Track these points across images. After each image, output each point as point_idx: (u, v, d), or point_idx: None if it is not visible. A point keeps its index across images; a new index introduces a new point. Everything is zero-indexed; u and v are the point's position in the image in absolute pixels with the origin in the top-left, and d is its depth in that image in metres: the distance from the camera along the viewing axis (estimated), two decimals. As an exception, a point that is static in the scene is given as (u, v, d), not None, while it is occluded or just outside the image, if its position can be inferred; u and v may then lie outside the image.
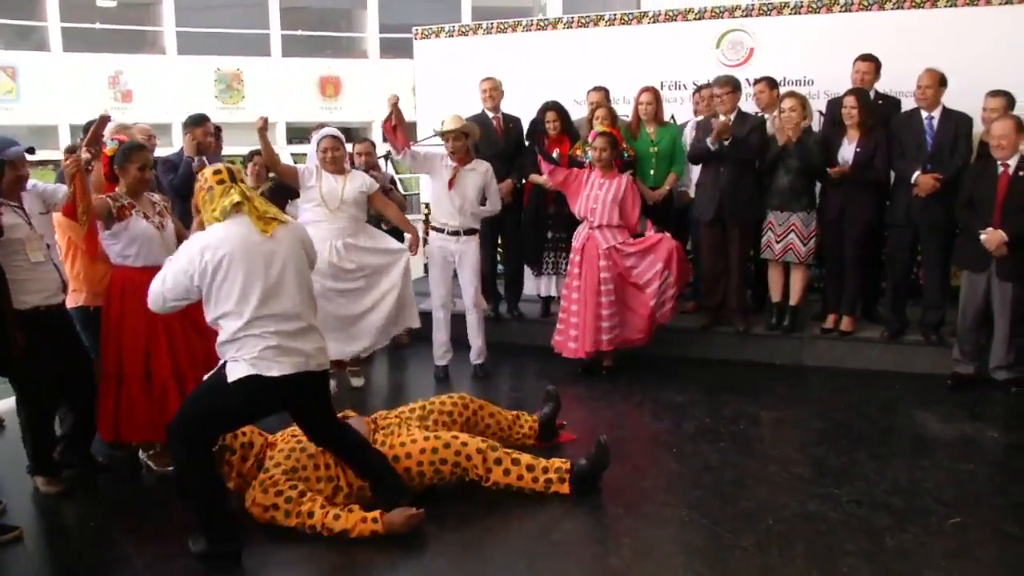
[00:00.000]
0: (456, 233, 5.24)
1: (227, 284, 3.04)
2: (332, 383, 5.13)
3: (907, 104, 5.42)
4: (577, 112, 6.10)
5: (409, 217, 5.62)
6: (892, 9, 5.98)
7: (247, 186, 3.23)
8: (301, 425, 3.46)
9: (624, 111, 6.07)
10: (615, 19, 6.77)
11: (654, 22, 6.64)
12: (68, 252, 4.13)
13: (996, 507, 3.52)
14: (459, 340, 5.51)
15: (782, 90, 5.63)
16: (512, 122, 6.00)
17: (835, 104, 5.46)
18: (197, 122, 5.32)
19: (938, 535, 3.25)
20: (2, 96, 16.36)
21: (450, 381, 5.32)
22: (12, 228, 3.58)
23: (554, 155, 5.54)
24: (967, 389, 4.88)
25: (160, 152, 5.47)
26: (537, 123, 5.86)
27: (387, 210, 5.26)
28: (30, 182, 3.82)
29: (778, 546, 3.18)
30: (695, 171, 5.74)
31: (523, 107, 6.02)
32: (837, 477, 3.79)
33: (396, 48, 17.88)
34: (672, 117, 6.12)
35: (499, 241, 6.20)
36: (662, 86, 6.29)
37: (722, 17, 6.44)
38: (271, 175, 5.45)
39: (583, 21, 6.87)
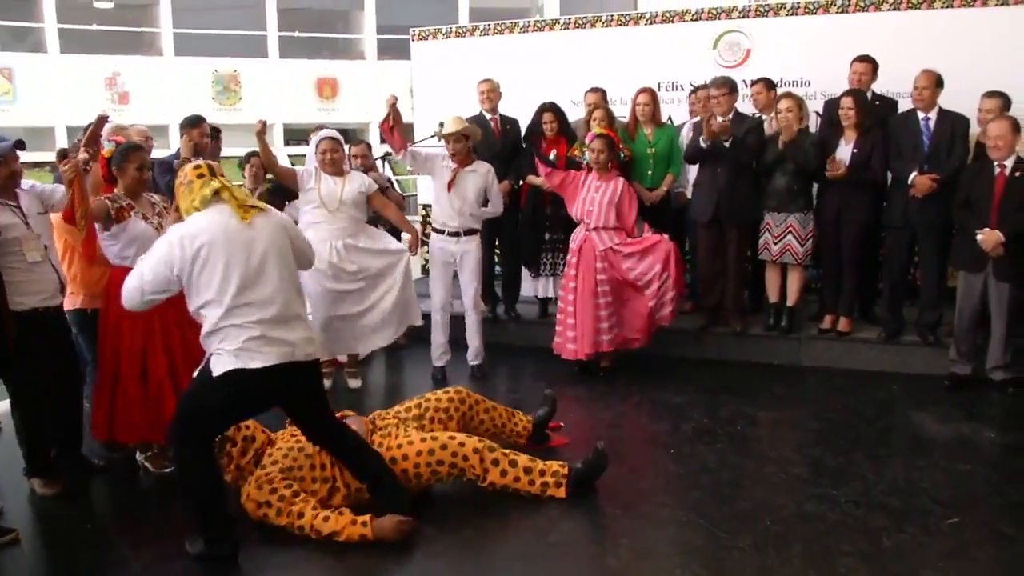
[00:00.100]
0: (456, 234, 5.25)
1: (207, 272, 3.02)
2: (328, 383, 5.18)
3: (904, 105, 5.43)
4: (574, 113, 6.10)
5: (407, 218, 5.63)
6: (889, 10, 5.98)
7: (227, 180, 3.23)
8: (296, 421, 3.44)
9: (621, 112, 6.07)
10: (612, 20, 6.77)
11: (651, 23, 6.64)
12: (65, 254, 4.12)
13: (993, 507, 3.52)
14: (457, 341, 5.51)
15: (779, 91, 5.64)
16: (510, 123, 6.00)
17: (832, 105, 5.46)
18: (193, 123, 5.32)
19: (935, 535, 3.25)
20: (-1, 97, 16.36)
21: (447, 382, 5.30)
22: (8, 228, 3.57)
23: (551, 156, 5.55)
24: (964, 389, 4.89)
25: (157, 153, 5.46)
26: (534, 124, 5.86)
27: (386, 210, 5.27)
28: (27, 182, 3.82)
29: (775, 546, 3.18)
30: (692, 172, 5.74)
31: (520, 108, 6.02)
32: (834, 477, 3.79)
33: (393, 49, 17.88)
34: (669, 118, 6.12)
35: (496, 242, 6.20)
36: (659, 87, 6.29)
37: (719, 18, 6.45)
38: (268, 176, 5.45)
39: (580, 22, 6.88)
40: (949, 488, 3.67)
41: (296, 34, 19.37)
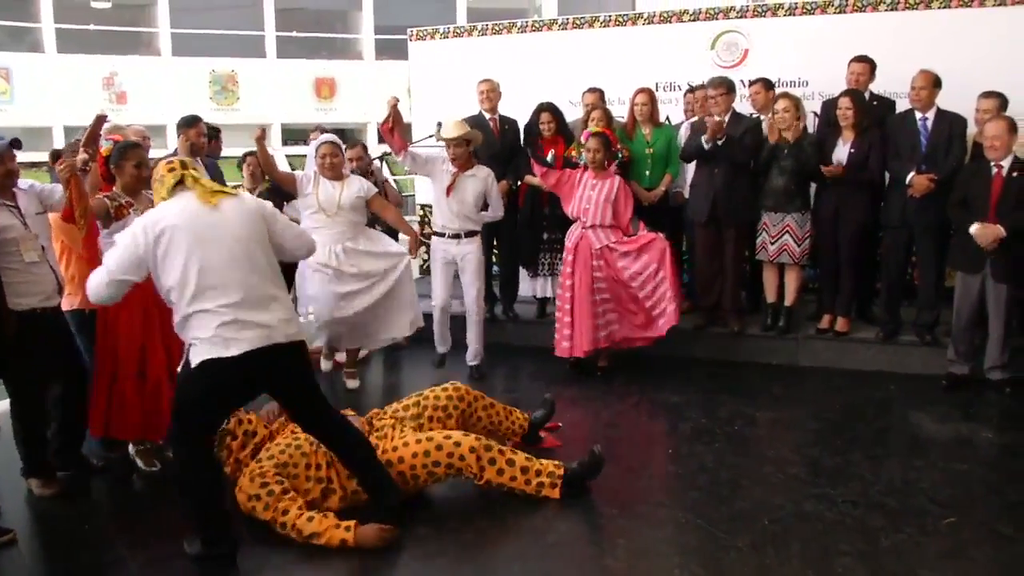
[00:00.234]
0: (456, 236, 5.26)
1: (170, 256, 3.00)
2: (325, 364, 5.19)
3: (902, 105, 5.44)
4: (572, 113, 6.11)
5: (405, 218, 5.63)
6: (886, 11, 5.99)
7: (197, 172, 3.22)
8: (287, 409, 3.41)
9: (619, 112, 6.08)
10: (610, 20, 6.77)
11: (649, 23, 6.64)
12: (62, 255, 4.11)
13: (991, 507, 3.53)
14: (457, 341, 5.51)
15: (777, 91, 5.64)
16: (509, 124, 6.00)
17: (830, 105, 5.47)
18: (190, 123, 5.32)
19: (933, 535, 3.26)
20: (-4, 98, 16.34)
21: (446, 375, 5.31)
22: (5, 228, 3.57)
23: (549, 156, 5.55)
24: (962, 389, 4.89)
25: (155, 153, 5.46)
26: (532, 125, 5.86)
27: (385, 213, 5.28)
28: (26, 182, 3.81)
29: (773, 546, 3.18)
30: (690, 172, 5.75)
31: (518, 108, 6.02)
32: (832, 477, 3.80)
33: (391, 49, 17.87)
34: (667, 118, 6.12)
35: (495, 242, 6.20)
36: (657, 87, 6.29)
37: (717, 18, 6.45)
38: (266, 177, 5.46)
39: (578, 22, 6.88)
40: (947, 488, 3.67)
41: (294, 34, 19.35)
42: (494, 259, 6.32)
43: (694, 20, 6.52)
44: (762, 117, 5.56)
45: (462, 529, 3.41)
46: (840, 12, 6.11)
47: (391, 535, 3.24)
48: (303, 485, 3.43)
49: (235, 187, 3.36)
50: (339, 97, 19.11)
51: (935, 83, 5.04)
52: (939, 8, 5.86)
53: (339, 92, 19.12)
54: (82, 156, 3.85)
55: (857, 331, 5.54)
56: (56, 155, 4.36)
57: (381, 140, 5.55)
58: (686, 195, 5.84)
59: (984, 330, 4.85)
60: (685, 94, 6.18)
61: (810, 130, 5.56)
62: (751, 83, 5.80)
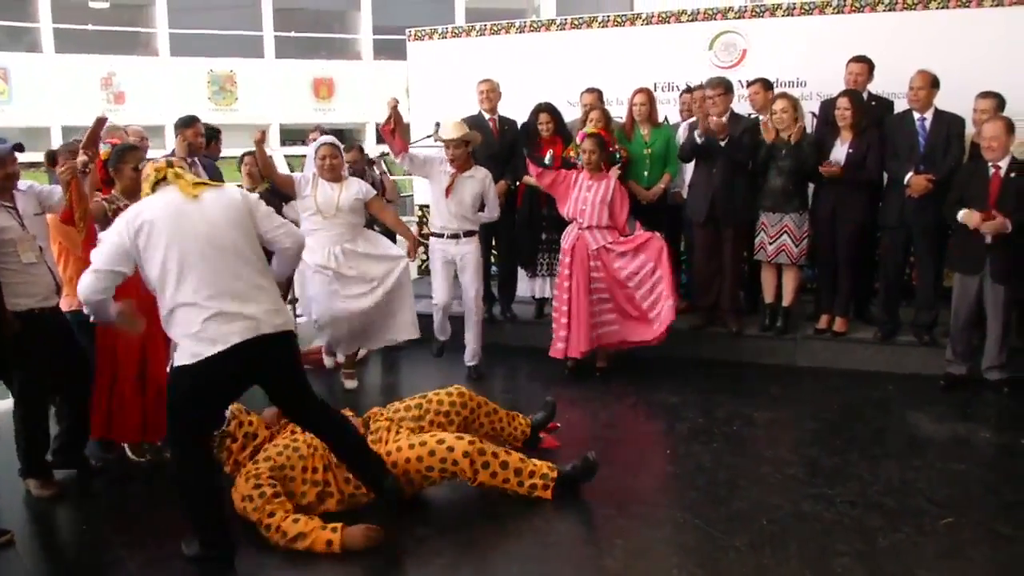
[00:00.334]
0: (455, 236, 5.26)
1: (151, 248, 2.98)
2: (352, 384, 5.17)
3: (900, 105, 5.44)
4: (571, 113, 6.10)
5: (403, 219, 5.63)
6: (884, 11, 5.99)
7: (183, 171, 3.21)
8: (277, 402, 3.38)
9: (618, 112, 6.08)
10: (608, 21, 6.78)
11: (647, 24, 6.65)
12: (60, 257, 4.11)
13: (988, 507, 3.53)
14: (454, 342, 5.51)
15: (776, 92, 5.64)
16: (508, 124, 5.99)
17: (828, 105, 5.47)
18: (188, 123, 5.32)
19: (931, 535, 3.26)
20: (-6, 98, 16.33)
21: (444, 376, 5.31)
22: (3, 229, 3.57)
23: (548, 157, 5.55)
24: (959, 390, 4.90)
25: (153, 154, 5.46)
26: (529, 125, 5.86)
27: (384, 216, 5.29)
28: (25, 183, 3.81)
29: (771, 547, 3.19)
30: (688, 172, 5.75)
31: (516, 108, 6.02)
32: (830, 477, 3.80)
33: (390, 49, 17.87)
34: (666, 118, 6.13)
35: (493, 243, 6.20)
36: (655, 87, 6.29)
37: (715, 19, 6.46)
38: (264, 178, 5.45)
39: (576, 23, 6.88)
40: (945, 488, 3.68)
41: (292, 34, 19.35)
42: (492, 259, 6.32)
43: (692, 20, 6.52)
44: (761, 117, 5.56)
45: (461, 530, 3.41)
46: (838, 12, 6.12)
47: (378, 535, 3.23)
48: (299, 488, 3.42)
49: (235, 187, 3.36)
50: (337, 97, 19.11)
51: (933, 83, 5.05)
52: (937, 8, 5.87)
53: (337, 92, 19.12)
54: (82, 158, 3.85)
55: (855, 331, 5.55)
56: (52, 156, 4.37)
57: (379, 140, 5.54)
58: (684, 195, 5.84)
59: (982, 330, 4.86)
60: (681, 94, 6.18)
61: (808, 130, 5.56)
62: (750, 83, 5.80)
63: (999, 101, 4.97)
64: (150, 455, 4.11)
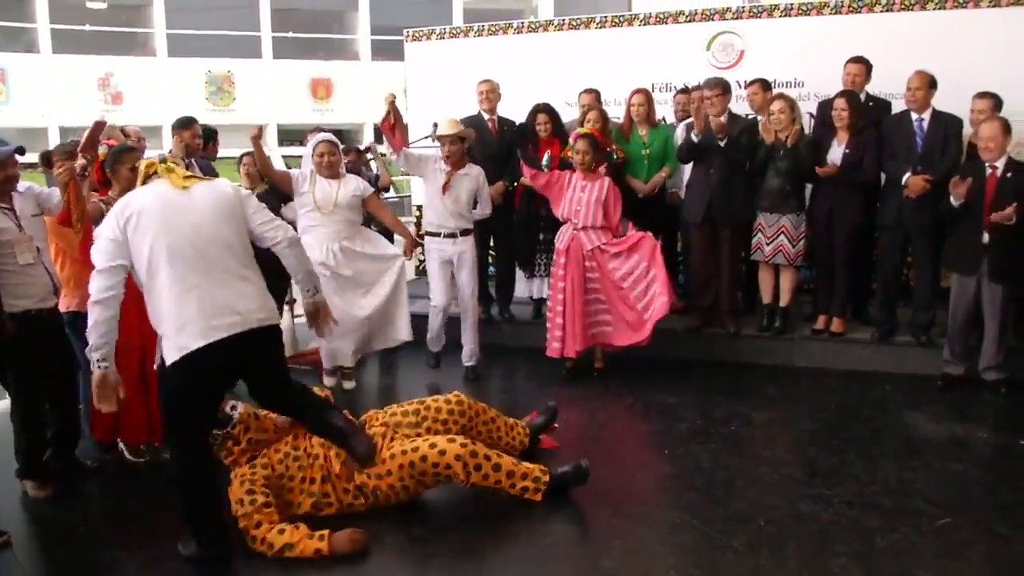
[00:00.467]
0: (452, 235, 5.25)
1: (138, 239, 2.97)
2: (351, 384, 5.16)
3: (898, 106, 5.45)
4: (569, 114, 6.11)
5: (401, 219, 5.63)
6: (882, 12, 6.00)
7: (176, 165, 3.20)
8: (253, 392, 3.33)
9: (615, 113, 6.08)
10: (606, 21, 6.78)
11: (645, 24, 6.65)
12: (57, 258, 4.10)
13: (986, 507, 3.53)
14: (451, 342, 5.51)
15: (773, 92, 5.65)
16: (507, 125, 5.99)
17: (825, 106, 5.47)
18: (185, 125, 5.32)
19: (928, 535, 3.26)
20: (-9, 98, 16.31)
21: (442, 376, 5.31)
22: (0, 231, 3.56)
23: (546, 157, 5.55)
24: (957, 390, 4.90)
25: (150, 154, 5.45)
26: (527, 126, 5.86)
27: (382, 214, 5.29)
28: (24, 184, 3.80)
29: (769, 547, 3.19)
30: (686, 172, 5.75)
31: (515, 109, 6.02)
32: (828, 478, 3.80)
33: (387, 50, 17.88)
34: (663, 119, 6.13)
35: (491, 243, 6.20)
36: (653, 88, 6.30)
37: (713, 19, 6.46)
38: (264, 178, 5.45)
39: (574, 23, 6.88)
40: (942, 488, 3.68)
41: (290, 35, 19.36)
42: (490, 260, 6.32)
43: (690, 21, 6.53)
44: (759, 118, 5.56)
45: (458, 531, 3.41)
46: (836, 13, 6.12)
47: (363, 538, 3.23)
48: (296, 498, 3.42)
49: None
50: (335, 98, 19.12)
51: (931, 84, 5.06)
52: (934, 9, 5.88)
53: (335, 93, 19.13)
54: (80, 162, 3.84)
55: (853, 332, 5.55)
56: (47, 157, 4.36)
57: (378, 140, 5.53)
58: (682, 195, 5.85)
59: (979, 330, 4.86)
60: (676, 95, 6.18)
61: (807, 131, 5.57)
62: (749, 84, 5.81)
63: (996, 101, 4.98)
64: (148, 455, 4.11)
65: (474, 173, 5.29)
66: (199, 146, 5.43)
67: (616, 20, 6.77)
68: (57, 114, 16.08)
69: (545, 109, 5.74)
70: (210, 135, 5.84)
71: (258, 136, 4.91)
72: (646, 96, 5.81)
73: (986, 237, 4.62)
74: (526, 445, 4.03)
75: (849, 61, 5.49)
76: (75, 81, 16.55)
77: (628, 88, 5.91)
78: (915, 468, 3.89)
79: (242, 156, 5.84)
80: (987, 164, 4.66)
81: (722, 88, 5.37)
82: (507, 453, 3.92)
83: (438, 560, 3.20)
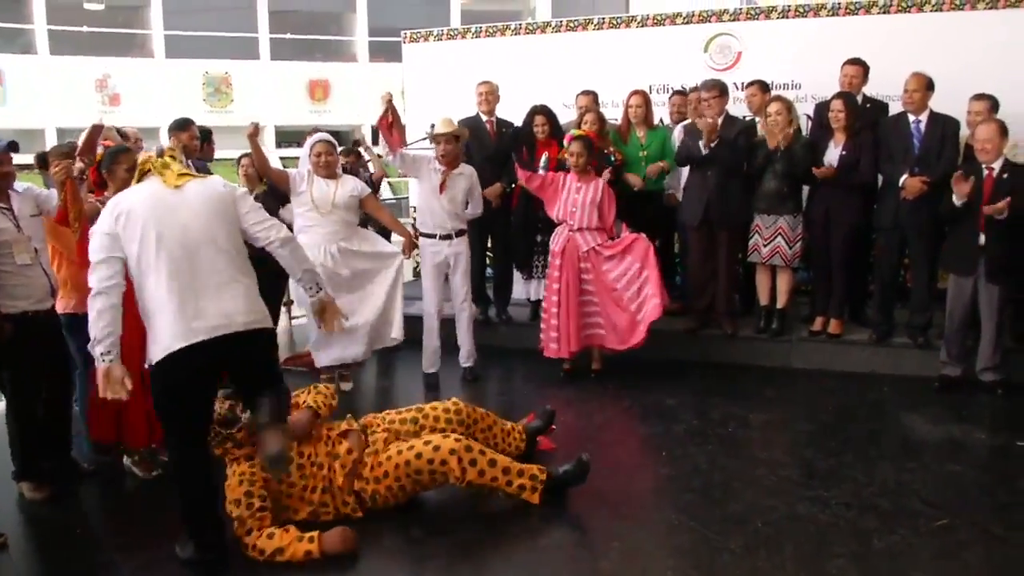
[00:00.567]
0: (448, 236, 5.24)
1: (127, 234, 2.96)
2: (348, 385, 5.14)
3: (895, 108, 5.45)
4: (566, 116, 6.11)
5: (400, 220, 5.63)
6: (879, 14, 6.01)
7: (171, 160, 3.17)
8: (237, 386, 3.30)
9: (613, 115, 6.09)
10: (604, 23, 6.79)
11: (642, 26, 6.65)
12: (54, 259, 4.10)
13: (983, 508, 3.53)
14: (448, 344, 5.50)
15: (770, 94, 5.65)
16: (505, 126, 5.99)
17: (822, 108, 5.48)
18: (182, 126, 5.31)
19: (926, 537, 3.26)
20: (-12, 99, 16.30)
21: (439, 388, 5.30)
22: (-2, 231, 3.56)
23: (543, 159, 5.55)
24: (954, 391, 4.91)
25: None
26: (520, 129, 5.86)
27: (379, 214, 5.28)
28: (22, 185, 3.80)
29: (767, 549, 3.18)
30: (683, 175, 5.76)
31: (512, 110, 6.02)
32: (825, 479, 3.80)
33: (385, 51, 17.91)
34: (661, 120, 6.14)
35: (488, 245, 6.20)
36: (650, 89, 6.30)
37: (710, 21, 6.47)
38: (263, 179, 5.44)
39: (572, 25, 6.88)
40: (939, 489, 3.68)
41: (288, 36, 19.36)
42: (488, 261, 6.32)
43: (687, 23, 6.53)
44: (757, 119, 5.57)
45: (455, 532, 3.40)
46: (833, 15, 6.13)
47: (352, 536, 3.22)
48: (294, 504, 3.41)
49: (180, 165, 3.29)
50: (333, 99, 19.13)
51: (928, 86, 5.06)
52: (931, 11, 5.88)
53: (333, 94, 19.14)
54: (78, 165, 3.84)
55: (850, 333, 5.56)
56: (43, 158, 4.35)
57: (376, 141, 5.53)
58: (679, 198, 5.85)
59: (976, 332, 4.86)
60: (670, 97, 6.19)
61: (804, 133, 5.57)
62: (747, 85, 5.81)
63: (992, 103, 5.00)
64: (157, 468, 4.02)
65: (468, 173, 5.29)
66: (197, 147, 5.42)
67: (614, 22, 6.78)
68: (54, 115, 16.06)
69: (542, 111, 5.74)
70: (205, 136, 5.83)
71: (255, 134, 4.88)
72: (644, 98, 5.82)
73: (983, 238, 4.63)
74: (522, 449, 4.02)
75: (846, 63, 5.50)
76: (72, 82, 16.54)
77: (626, 90, 5.91)
78: (912, 469, 3.90)
79: (240, 157, 5.83)
80: (984, 165, 4.66)
81: (719, 90, 5.38)
82: (501, 452, 3.94)
83: (435, 562, 3.19)
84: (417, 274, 6.98)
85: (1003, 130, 4.62)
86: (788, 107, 5.28)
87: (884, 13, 6.00)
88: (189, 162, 5.15)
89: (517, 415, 4.26)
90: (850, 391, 5.08)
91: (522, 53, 6.91)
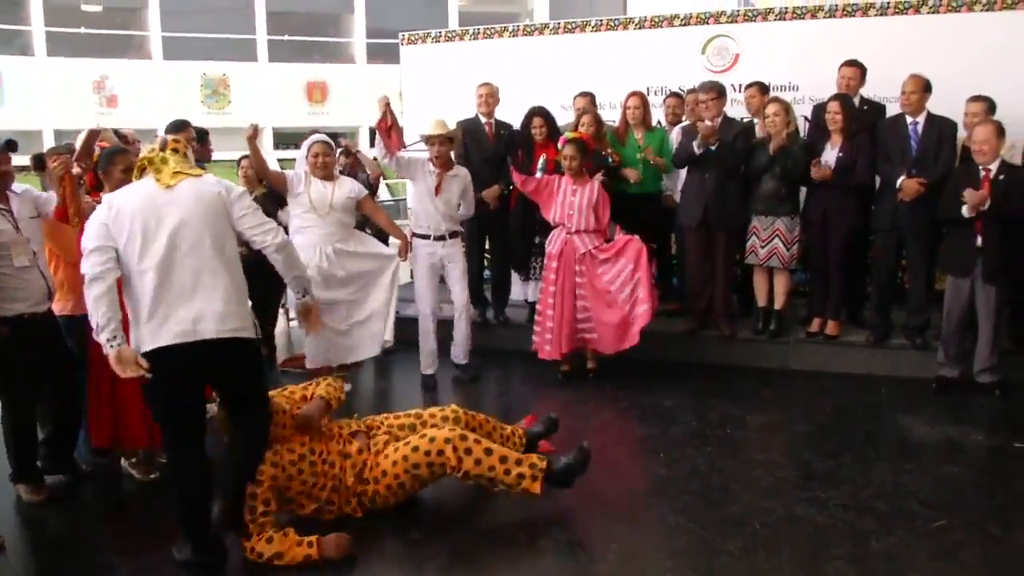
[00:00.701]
0: (442, 238, 5.25)
1: (116, 232, 2.94)
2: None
3: (892, 110, 5.46)
4: (564, 117, 6.11)
5: (397, 222, 5.62)
6: (876, 15, 6.02)
7: (171, 156, 3.13)
8: (223, 400, 3.28)
9: (610, 116, 6.09)
10: (601, 25, 6.79)
11: (640, 28, 6.66)
12: (51, 261, 4.09)
13: (980, 509, 3.54)
14: (445, 345, 5.50)
15: (768, 96, 5.66)
16: (504, 128, 5.99)
17: (820, 109, 5.49)
18: (178, 128, 5.30)
19: (923, 538, 3.27)
20: (-14, 101, 16.28)
21: (438, 391, 5.30)
22: (-4, 232, 3.56)
23: (541, 161, 5.56)
24: (951, 392, 4.91)
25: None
26: (515, 132, 5.85)
27: (376, 216, 5.28)
28: (21, 186, 3.79)
29: (764, 550, 3.19)
30: (681, 176, 5.76)
31: (510, 112, 6.02)
32: (823, 481, 3.80)
33: (383, 53, 17.90)
34: (659, 122, 6.14)
35: (486, 246, 6.20)
36: (648, 91, 6.29)
37: (708, 23, 6.47)
38: (263, 181, 5.44)
39: (569, 27, 6.89)
40: (937, 491, 3.69)
41: (286, 38, 19.36)
42: (486, 263, 6.32)
43: (685, 25, 6.54)
44: (755, 121, 5.57)
45: (454, 533, 3.40)
46: (830, 17, 6.15)
47: (346, 541, 3.22)
48: (300, 499, 3.40)
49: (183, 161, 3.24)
50: (331, 101, 19.12)
51: (925, 88, 5.07)
52: (928, 13, 5.89)
53: (331, 96, 19.13)
54: (76, 170, 3.84)
55: (847, 334, 5.56)
56: (39, 160, 4.35)
57: (373, 144, 5.52)
58: (677, 199, 5.85)
59: (974, 333, 4.87)
60: (665, 99, 6.19)
61: (801, 134, 5.58)
62: (747, 87, 5.82)
63: (989, 105, 5.01)
64: (156, 471, 4.01)
65: (462, 174, 5.31)
66: (194, 149, 5.40)
67: (611, 24, 6.78)
68: (52, 117, 16.05)
69: (540, 113, 5.74)
70: (201, 136, 5.82)
71: (254, 136, 4.89)
72: (642, 99, 5.82)
73: (980, 240, 4.64)
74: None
75: (843, 65, 5.50)
76: (70, 84, 16.53)
77: (623, 91, 5.91)
78: (910, 471, 3.90)
79: (240, 159, 5.83)
80: (981, 167, 4.67)
81: (717, 92, 5.39)
82: None
83: (433, 563, 3.19)
84: (412, 276, 6.98)
85: (1000, 131, 4.62)
86: (786, 108, 5.29)
87: (881, 15, 6.00)
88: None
89: (515, 417, 4.25)
90: (848, 392, 5.08)
91: (520, 55, 6.92)
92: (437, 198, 5.17)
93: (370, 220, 5.47)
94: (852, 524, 3.38)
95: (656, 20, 6.63)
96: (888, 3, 5.98)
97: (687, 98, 5.99)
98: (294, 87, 18.77)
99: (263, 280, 4.27)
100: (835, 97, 5.28)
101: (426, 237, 5.27)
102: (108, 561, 3.27)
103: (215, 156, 6.28)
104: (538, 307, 5.39)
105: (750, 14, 6.52)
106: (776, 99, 5.40)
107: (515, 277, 6.21)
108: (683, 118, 6.02)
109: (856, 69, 5.47)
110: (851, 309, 5.74)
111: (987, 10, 5.74)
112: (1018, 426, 4.47)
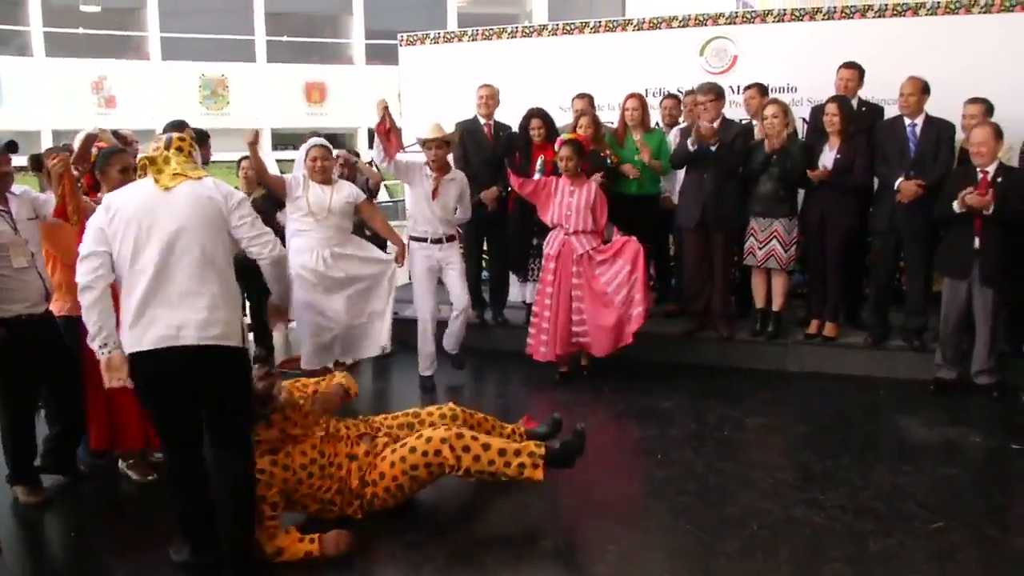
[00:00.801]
0: (439, 241, 5.25)
1: (112, 233, 2.94)
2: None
3: (890, 111, 5.46)
4: (563, 119, 6.11)
5: (394, 224, 5.62)
6: (874, 17, 6.02)
7: (173, 156, 3.09)
8: (208, 412, 3.13)
9: (609, 118, 6.09)
10: (600, 26, 6.79)
11: (639, 29, 6.66)
12: (48, 262, 4.09)
13: (978, 511, 3.55)
14: (443, 345, 5.50)
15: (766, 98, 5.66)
16: (503, 130, 5.99)
17: (818, 111, 5.49)
18: (176, 130, 5.29)
19: (921, 539, 3.27)
20: (-16, 101, 16.26)
21: (436, 392, 5.30)
22: (-5, 234, 3.56)
23: (539, 162, 5.56)
24: (949, 394, 4.92)
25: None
26: (512, 135, 5.85)
27: (374, 221, 5.28)
28: (20, 188, 3.79)
29: (763, 552, 3.19)
30: (679, 177, 5.76)
31: (508, 113, 6.02)
32: (821, 482, 3.81)
33: (382, 54, 17.91)
34: (657, 123, 6.14)
35: (484, 248, 6.20)
36: (647, 93, 6.28)
37: (706, 25, 6.47)
38: (262, 183, 5.44)
39: (568, 28, 6.89)
40: (935, 492, 3.69)
41: (284, 38, 19.36)
42: (484, 264, 6.32)
43: (683, 26, 6.53)
44: (754, 122, 5.58)
45: (452, 535, 3.40)
46: (828, 19, 6.15)
47: (346, 539, 3.23)
48: (305, 500, 3.40)
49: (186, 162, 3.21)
50: (329, 102, 19.12)
51: (924, 90, 5.07)
52: (927, 15, 5.90)
53: (330, 97, 19.13)
54: (73, 173, 3.83)
55: (845, 336, 5.56)
56: (36, 161, 4.34)
57: (372, 145, 5.51)
58: (675, 200, 5.85)
59: (971, 335, 4.87)
60: (662, 101, 6.19)
61: (800, 136, 5.58)
62: (746, 88, 5.82)
63: (987, 107, 5.01)
64: (153, 473, 3.99)
65: (459, 178, 5.32)
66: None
67: (610, 25, 6.78)
68: (50, 117, 16.03)
69: (539, 114, 5.73)
70: (201, 138, 5.81)
71: (255, 142, 4.89)
72: (640, 101, 5.82)
73: (978, 242, 4.64)
74: None
75: (842, 66, 5.50)
76: (68, 84, 16.52)
77: (622, 93, 5.91)
78: (908, 472, 3.90)
79: (241, 160, 5.83)
80: (978, 169, 4.67)
81: (715, 93, 5.39)
82: None
83: (432, 564, 3.19)
84: (411, 278, 6.98)
85: (998, 133, 4.62)
86: (784, 110, 5.29)
87: (880, 17, 6.01)
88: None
89: (513, 418, 4.24)
90: (846, 394, 5.08)
91: (519, 56, 6.91)
92: (434, 202, 5.17)
93: (367, 225, 5.47)
94: (850, 525, 3.38)
95: (655, 21, 6.63)
96: (886, 5, 5.99)
97: (685, 99, 6.00)
98: (293, 88, 18.77)
99: (261, 280, 4.27)
100: (833, 99, 5.29)
101: (423, 240, 5.27)
102: (106, 563, 3.27)
103: (213, 157, 6.26)
104: (534, 308, 5.39)
105: (748, 16, 6.52)
106: (775, 101, 5.40)
107: (513, 278, 6.22)
108: (680, 120, 6.02)
109: (854, 71, 5.47)
110: (849, 311, 5.74)
111: (985, 12, 5.74)
112: (1015, 428, 4.48)
